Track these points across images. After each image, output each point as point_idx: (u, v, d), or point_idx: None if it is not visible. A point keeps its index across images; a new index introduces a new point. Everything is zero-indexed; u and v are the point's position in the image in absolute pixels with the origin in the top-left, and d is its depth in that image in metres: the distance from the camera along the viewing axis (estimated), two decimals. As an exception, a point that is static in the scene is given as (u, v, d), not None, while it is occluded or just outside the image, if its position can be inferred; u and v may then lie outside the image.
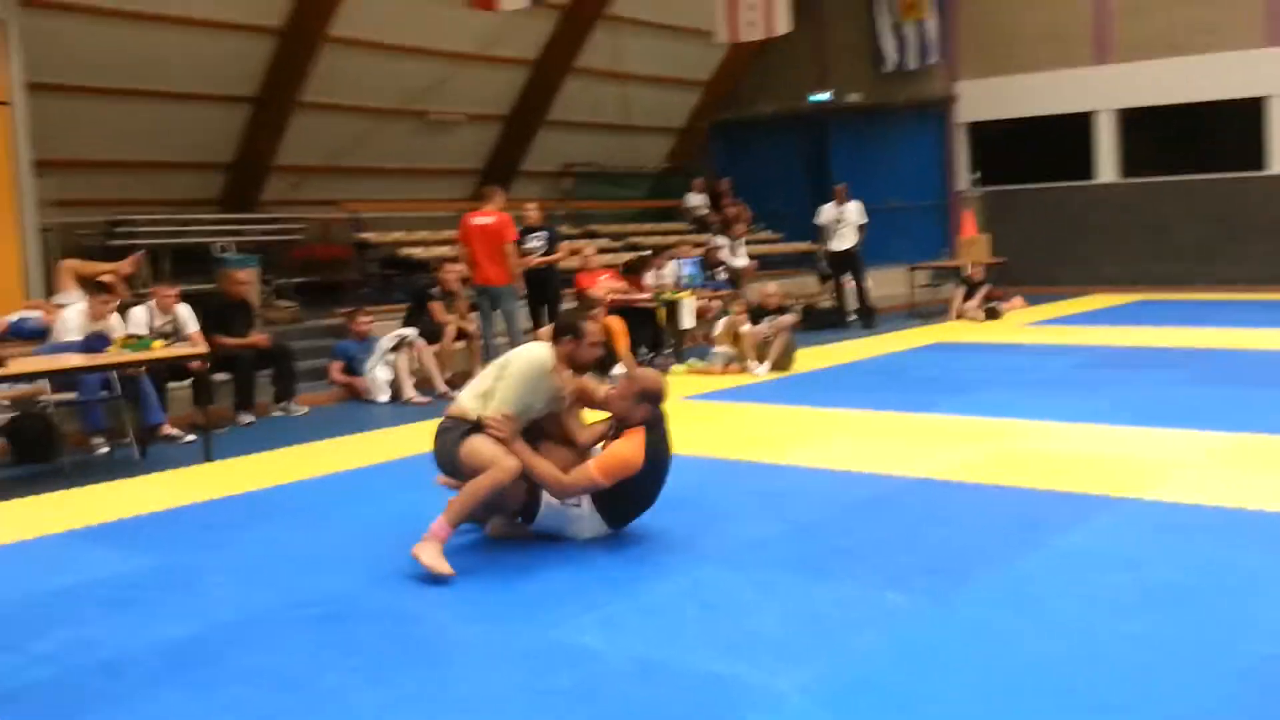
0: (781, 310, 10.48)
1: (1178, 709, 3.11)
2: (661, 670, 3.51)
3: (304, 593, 4.43)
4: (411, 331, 9.86)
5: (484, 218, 10.21)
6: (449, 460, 4.82)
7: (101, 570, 4.83)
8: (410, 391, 9.62)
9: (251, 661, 3.74)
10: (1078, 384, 8.82)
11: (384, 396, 9.63)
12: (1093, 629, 3.69)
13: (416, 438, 7.86)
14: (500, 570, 4.60)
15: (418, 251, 13.59)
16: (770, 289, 10.67)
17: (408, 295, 11.05)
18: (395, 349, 9.74)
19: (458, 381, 10.33)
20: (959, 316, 14.56)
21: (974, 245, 15.53)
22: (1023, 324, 13.78)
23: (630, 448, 4.79)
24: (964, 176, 19.62)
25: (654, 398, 4.91)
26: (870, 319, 14.38)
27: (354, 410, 9.44)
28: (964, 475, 5.92)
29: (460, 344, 10.42)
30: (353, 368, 9.99)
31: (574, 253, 11.94)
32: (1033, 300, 15.69)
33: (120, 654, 3.85)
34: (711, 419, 8.00)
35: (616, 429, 4.96)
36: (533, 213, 11.48)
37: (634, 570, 4.55)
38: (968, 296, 14.73)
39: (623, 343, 9.48)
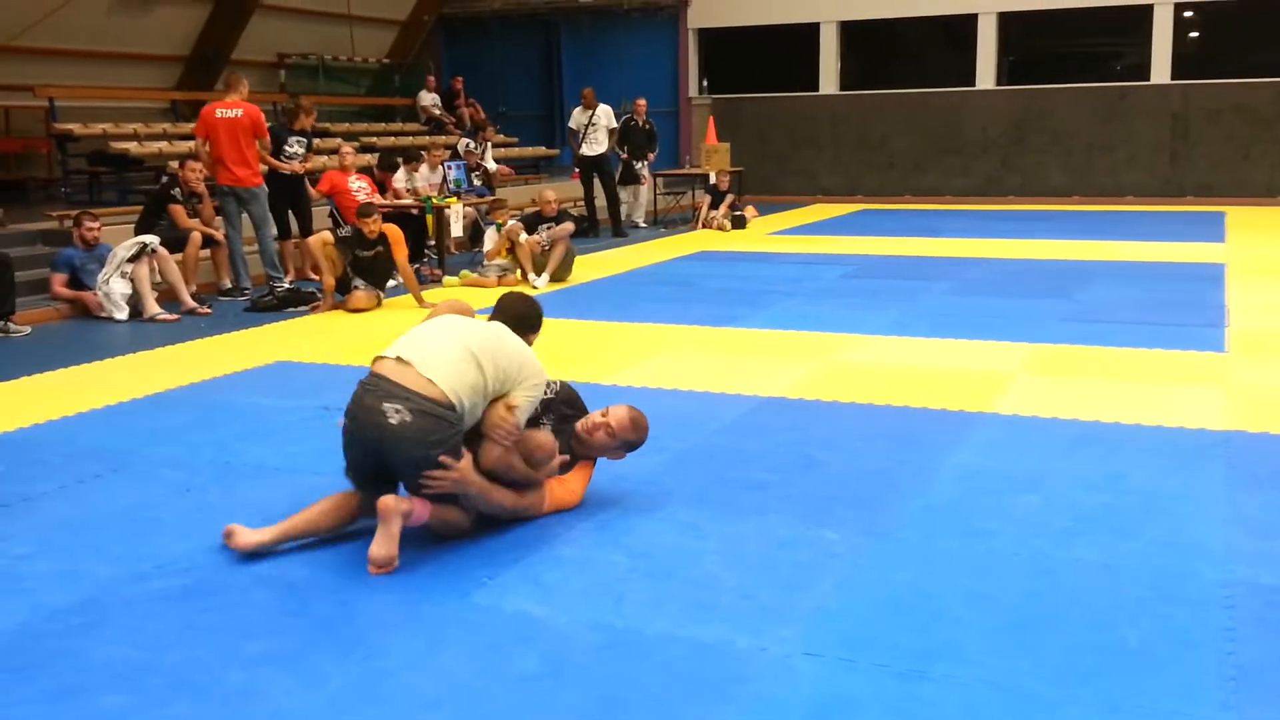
0: (560, 218, 10.04)
1: (1171, 641, 3.07)
2: (633, 640, 3.11)
3: (144, 561, 3.67)
4: (153, 239, 8.66)
5: (229, 110, 9.03)
6: (415, 462, 3.63)
7: None
8: (154, 307, 8.47)
9: (117, 656, 3.02)
10: (859, 294, 8.98)
11: (122, 313, 8.44)
12: (1044, 557, 3.62)
13: (186, 360, 6.95)
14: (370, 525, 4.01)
15: (132, 146, 12.00)
16: (549, 195, 10.18)
17: (145, 198, 9.70)
18: (134, 259, 8.53)
19: (205, 293, 9.27)
20: (705, 225, 14.63)
21: (717, 153, 15.58)
22: (767, 233, 14.01)
23: (582, 486, 4.19)
24: (694, 83, 19.69)
25: (635, 447, 4.23)
26: (620, 228, 14.19)
27: (87, 329, 8.22)
28: (812, 393, 5.81)
29: (205, 252, 9.31)
30: (80, 280, 8.68)
31: (331, 153, 10.90)
32: (761, 209, 16.01)
33: (-74, 662, 3.02)
34: (514, 336, 7.50)
35: (569, 451, 4.20)
36: (306, 117, 10.21)
37: (530, 522, 4.09)
38: (713, 205, 14.82)
39: (402, 252, 8.73)
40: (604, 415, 4.14)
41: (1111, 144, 17.06)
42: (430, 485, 3.64)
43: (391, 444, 3.59)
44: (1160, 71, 16.81)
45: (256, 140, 9.14)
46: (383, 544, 3.58)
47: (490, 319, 4.14)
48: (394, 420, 3.56)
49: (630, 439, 4.16)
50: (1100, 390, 5.78)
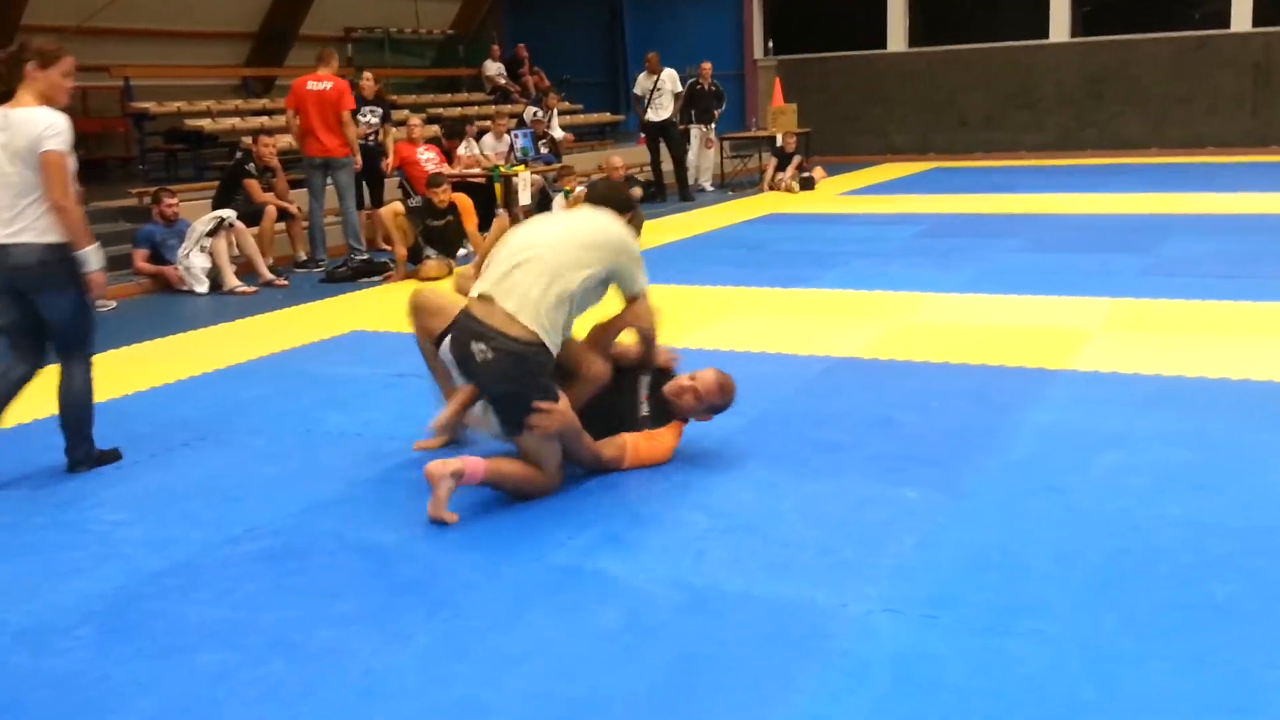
0: (628, 183, 10.04)
1: (1258, 596, 3.01)
2: (716, 598, 3.13)
3: (233, 526, 3.77)
4: (230, 213, 8.82)
5: (319, 83, 9.17)
6: (503, 398, 3.76)
7: (-42, 515, 3.98)
8: (233, 280, 8.65)
9: (213, 616, 3.12)
10: (930, 253, 8.86)
11: (202, 286, 8.63)
12: (1128, 514, 3.57)
13: (264, 331, 7.09)
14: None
15: (205, 123, 12.21)
16: (616, 161, 10.19)
17: (220, 173, 9.88)
18: (212, 233, 8.70)
19: (281, 265, 9.44)
20: (772, 187, 14.52)
21: (784, 115, 15.43)
22: (836, 194, 13.87)
23: (673, 442, 4.24)
24: (760, 45, 19.48)
25: (721, 410, 4.28)
26: (687, 191, 14.14)
27: (169, 303, 8.42)
28: (887, 353, 5.77)
29: (281, 225, 9.46)
30: (161, 255, 8.88)
31: (399, 124, 11.02)
32: (829, 170, 15.83)
33: (31, 620, 3.14)
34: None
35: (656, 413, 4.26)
36: (368, 84, 10.41)
37: (607, 479, 4.13)
38: (780, 167, 14.69)
39: (472, 221, 8.80)
40: (691, 379, 4.19)
41: (1190, 94, 16.58)
42: (532, 426, 3.70)
43: (483, 381, 3.68)
44: (1241, 19, 16.26)
45: (341, 112, 9.25)
46: (432, 507, 3.66)
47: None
48: (479, 359, 3.66)
49: (716, 402, 4.21)
50: (1182, 345, 5.65)
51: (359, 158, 9.48)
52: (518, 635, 2.99)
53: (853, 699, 2.60)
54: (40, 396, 4.56)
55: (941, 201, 12.30)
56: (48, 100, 4.18)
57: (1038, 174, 14.88)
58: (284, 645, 2.94)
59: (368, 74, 10.44)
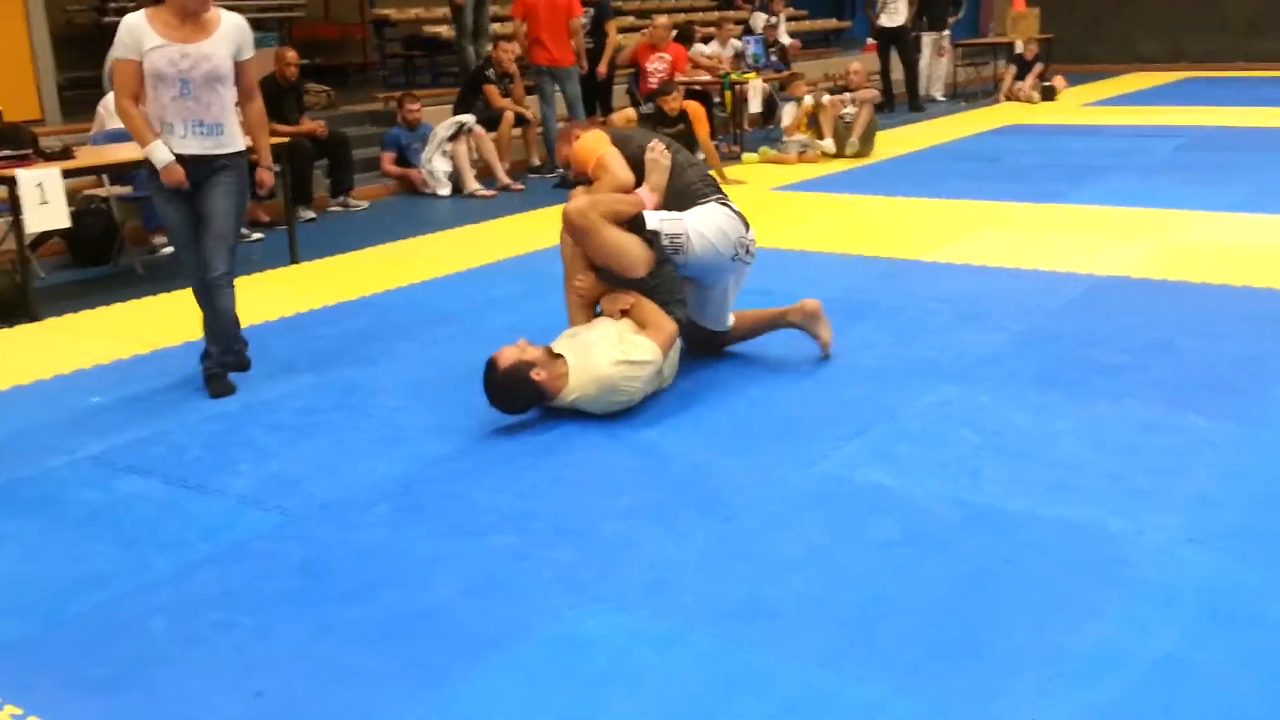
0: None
1: None
2: (995, 516, 3.04)
3: (501, 419, 3.90)
4: (470, 118, 9.02)
5: (549, -11, 9.21)
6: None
7: (254, 392, 4.26)
8: (473, 184, 8.88)
9: (499, 501, 3.23)
10: (1197, 168, 8.27)
11: (444, 189, 8.90)
12: None
13: (506, 233, 7.26)
14: (713, 387, 4.09)
15: (443, 30, 12.46)
16: (855, 66, 9.88)
17: (457, 79, 10.07)
18: (453, 138, 8.93)
19: (517, 170, 9.62)
20: (1009, 97, 13.83)
21: (1024, 20, 14.60)
22: (1080, 104, 13.10)
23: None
24: (998, -55, 18.42)
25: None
26: (918, 101, 13.62)
27: (414, 204, 8.72)
28: (1157, 273, 5.44)
29: (518, 131, 9.62)
30: (405, 158, 9.19)
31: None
32: (1069, 80, 14.89)
33: (333, 495, 3.33)
34: (821, 211, 7.38)
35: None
36: None
37: (867, 388, 4.05)
38: (1019, 76, 13.96)
39: (704, 128, 8.72)
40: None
41: None
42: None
43: None
44: None
45: (571, 20, 9.27)
46: None
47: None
48: None
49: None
50: None
51: (585, 63, 9.46)
52: (793, 540, 2.98)
53: (1162, 628, 2.48)
54: (314, 289, 4.79)
55: (1202, 114, 11.45)
56: (184, 8, 4.02)
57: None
58: (569, 532, 3.03)
59: None
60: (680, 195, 4.15)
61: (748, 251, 4.19)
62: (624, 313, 4.02)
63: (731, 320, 4.42)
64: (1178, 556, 2.78)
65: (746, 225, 4.19)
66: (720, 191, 4.29)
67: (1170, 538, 2.87)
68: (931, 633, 2.50)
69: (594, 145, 4.18)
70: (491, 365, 3.74)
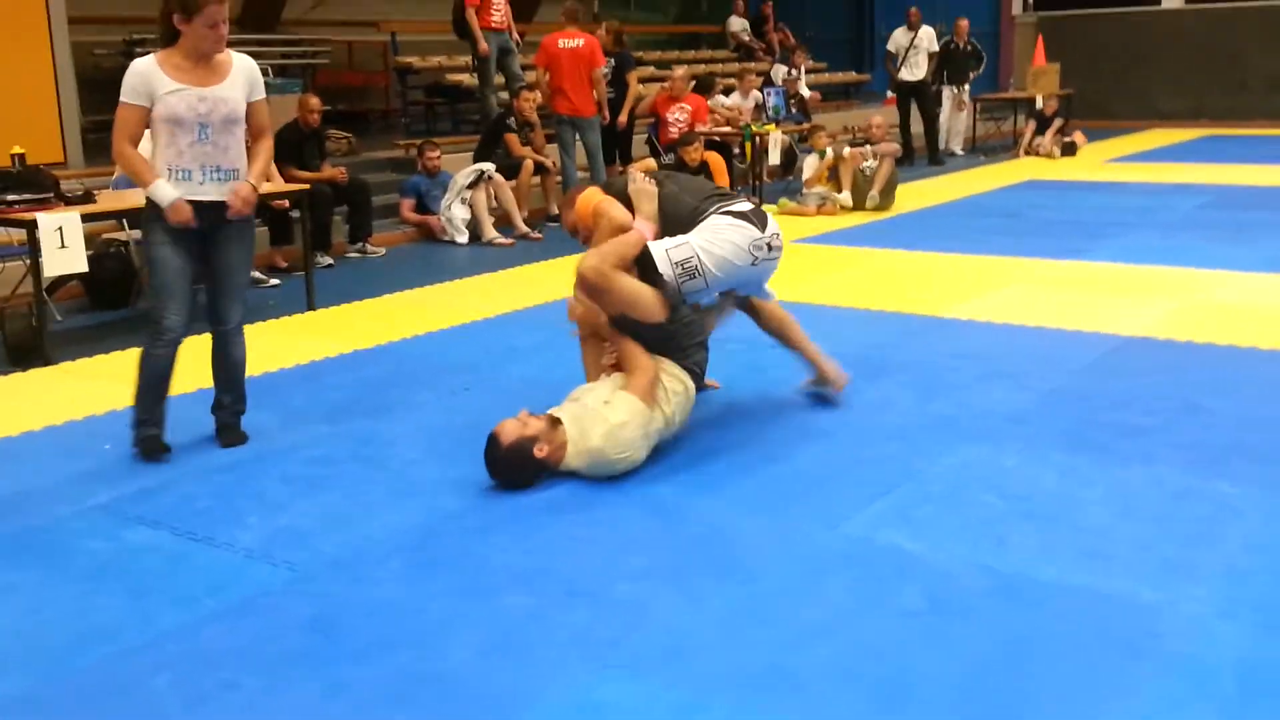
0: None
1: None
2: (1023, 585, 2.96)
3: (519, 474, 3.83)
4: (490, 166, 9.05)
5: (571, 40, 9.28)
6: None
7: (266, 441, 4.22)
8: (491, 231, 8.89)
9: (513, 560, 3.17)
10: (1220, 226, 8.21)
11: (463, 237, 8.90)
12: None
13: (524, 282, 7.23)
14: (728, 443, 4.03)
15: (465, 78, 12.57)
16: (877, 120, 9.89)
17: (478, 126, 10.13)
18: (473, 185, 8.96)
19: (535, 219, 9.63)
20: (1029, 152, 13.83)
21: (1045, 75, 14.63)
22: (1101, 160, 13.08)
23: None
24: (1018, 1, 18.54)
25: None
26: (937, 155, 13.64)
27: (432, 252, 8.73)
28: (1183, 333, 5.36)
29: (537, 179, 9.65)
30: (424, 205, 9.22)
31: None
32: (1088, 135, 14.89)
33: (344, 550, 3.27)
34: (840, 265, 7.35)
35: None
36: (604, 37, 10.47)
37: (890, 448, 3.99)
38: (1039, 131, 13.97)
39: (723, 179, 8.73)
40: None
41: None
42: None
43: None
44: None
45: (593, 70, 9.32)
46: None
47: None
48: None
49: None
50: None
51: (606, 113, 9.52)
52: (815, 605, 2.90)
53: (1196, 705, 2.39)
54: (331, 336, 4.76)
55: (1224, 171, 11.41)
56: (196, 51, 3.89)
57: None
58: (583, 594, 2.96)
59: (600, 28, 10.39)
60: (683, 222, 4.09)
61: (769, 248, 4.11)
62: (613, 366, 4.01)
63: (775, 296, 4.47)
64: (1212, 630, 2.69)
65: (762, 224, 4.11)
66: (724, 199, 4.21)
67: (1202, 610, 2.79)
68: (961, 707, 2.42)
69: (589, 197, 4.20)
70: (493, 442, 3.69)
